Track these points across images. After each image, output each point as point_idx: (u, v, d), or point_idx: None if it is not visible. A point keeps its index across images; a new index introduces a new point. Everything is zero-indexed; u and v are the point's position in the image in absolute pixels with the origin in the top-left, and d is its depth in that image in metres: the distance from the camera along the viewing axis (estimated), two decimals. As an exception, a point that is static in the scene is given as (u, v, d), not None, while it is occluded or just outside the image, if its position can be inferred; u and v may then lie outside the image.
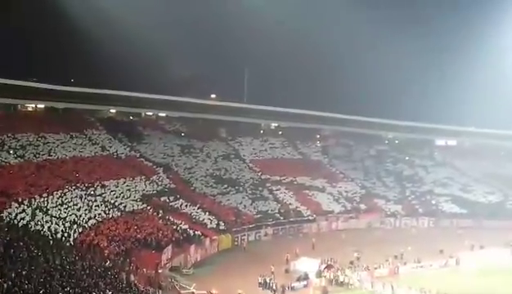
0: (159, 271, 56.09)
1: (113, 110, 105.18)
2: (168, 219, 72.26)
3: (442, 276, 64.85)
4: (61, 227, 58.02)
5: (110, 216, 67.11)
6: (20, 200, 59.87)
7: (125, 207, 71.68)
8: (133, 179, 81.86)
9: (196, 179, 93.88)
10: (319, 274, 60.06)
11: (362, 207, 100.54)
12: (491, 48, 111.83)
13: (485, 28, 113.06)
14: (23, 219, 55.32)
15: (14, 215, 55.48)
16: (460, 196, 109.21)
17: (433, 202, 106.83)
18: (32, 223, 55.58)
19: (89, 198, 69.63)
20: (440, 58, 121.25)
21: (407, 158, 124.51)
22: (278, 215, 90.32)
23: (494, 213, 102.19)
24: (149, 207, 74.14)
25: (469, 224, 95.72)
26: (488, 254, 71.66)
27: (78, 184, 71.82)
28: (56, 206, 63.22)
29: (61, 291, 35.55)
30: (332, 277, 59.87)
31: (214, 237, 74.31)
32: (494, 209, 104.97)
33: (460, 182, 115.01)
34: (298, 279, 58.73)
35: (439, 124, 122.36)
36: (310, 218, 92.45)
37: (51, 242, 51.20)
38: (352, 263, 65.54)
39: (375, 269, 64.14)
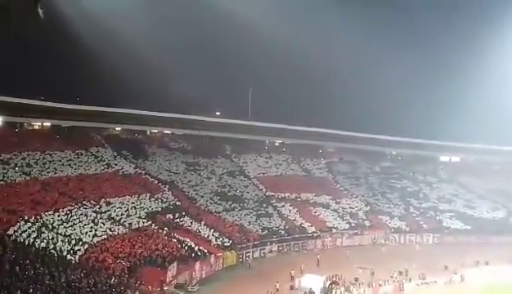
0: (165, 288, 56.35)
1: (118, 128, 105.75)
2: (173, 236, 72.47)
3: (447, 292, 65.00)
4: (67, 244, 58.57)
5: (116, 233, 67.52)
6: (26, 218, 60.47)
7: (130, 224, 72.04)
8: (139, 196, 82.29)
9: (201, 196, 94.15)
10: (324, 291, 60.20)
11: (367, 223, 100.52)
12: (496, 65, 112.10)
13: (490, 44, 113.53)
14: (29, 236, 55.86)
15: (20, 232, 56.01)
16: (464, 212, 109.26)
17: (438, 218, 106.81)
18: (38, 240, 56.10)
19: (94, 215, 70.16)
20: (444, 74, 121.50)
21: (411, 174, 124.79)
22: (283, 231, 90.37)
23: (498, 229, 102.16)
24: (154, 224, 74.46)
25: (473, 241, 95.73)
26: (493, 270, 71.69)
27: (83, 202, 72.36)
28: (62, 223, 63.78)
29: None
30: (337, 293, 59.97)
31: (219, 253, 74.45)
32: (498, 225, 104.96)
33: (465, 198, 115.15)
34: (303, 296, 58.98)
35: (443, 141, 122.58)
36: (314, 234, 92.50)
37: (57, 259, 51.67)
38: (356, 279, 65.60)
39: (380, 285, 64.26)
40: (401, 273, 70.89)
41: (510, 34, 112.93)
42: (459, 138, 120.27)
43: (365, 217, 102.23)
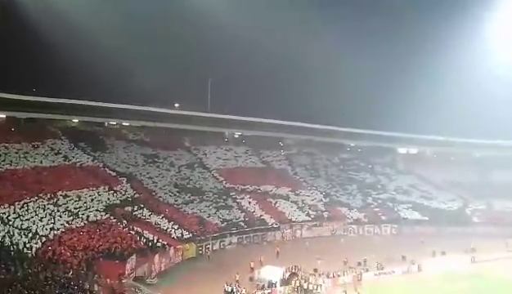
0: (123, 281, 55.75)
1: (75, 120, 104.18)
2: (132, 228, 71.81)
3: (405, 282, 65.73)
4: (23, 238, 57.57)
5: (73, 226, 66.48)
6: (-19, 211, 59.24)
7: (88, 217, 71.04)
8: (97, 188, 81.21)
9: (160, 188, 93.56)
10: (283, 282, 60.29)
11: (326, 215, 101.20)
12: (453, 58, 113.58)
13: (447, 38, 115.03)
14: (-16, 230, 54.76)
15: (-25, 226, 54.90)
16: (421, 203, 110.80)
17: (396, 209, 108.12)
18: (-7, 234, 55.03)
19: (52, 208, 68.97)
20: (403, 68, 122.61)
21: (370, 166, 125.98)
22: (242, 223, 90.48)
23: (455, 220, 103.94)
24: (112, 217, 73.61)
25: (430, 231, 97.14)
26: (449, 260, 72.77)
27: (40, 195, 71.01)
28: (18, 216, 62.66)
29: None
30: (296, 284, 60.13)
31: (179, 246, 74.11)
32: (455, 216, 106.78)
33: (422, 189, 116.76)
34: (263, 287, 58.89)
35: (401, 132, 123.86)
36: (274, 226, 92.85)
37: (13, 253, 50.76)
38: (315, 270, 65.87)
39: (339, 276, 64.63)
40: (359, 263, 71.58)
41: (467, 29, 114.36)
42: (416, 130, 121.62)
43: (324, 209, 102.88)
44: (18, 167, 78.37)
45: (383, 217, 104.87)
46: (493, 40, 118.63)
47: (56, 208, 69.36)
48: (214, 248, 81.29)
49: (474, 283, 65.27)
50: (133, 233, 70.65)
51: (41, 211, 66.68)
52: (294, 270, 63.38)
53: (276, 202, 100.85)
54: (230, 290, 56.82)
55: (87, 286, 47.44)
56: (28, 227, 60.77)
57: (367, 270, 68.84)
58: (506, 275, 69.23)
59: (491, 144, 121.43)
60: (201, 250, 78.63)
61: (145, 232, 71.97)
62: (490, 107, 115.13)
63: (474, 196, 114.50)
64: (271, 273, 62.04)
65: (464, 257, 75.19)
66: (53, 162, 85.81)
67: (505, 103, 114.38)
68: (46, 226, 62.82)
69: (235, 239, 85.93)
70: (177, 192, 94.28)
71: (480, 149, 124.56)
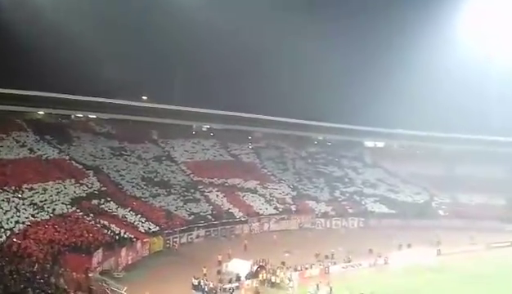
0: (90, 275, 55.20)
1: (41, 112, 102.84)
2: (99, 222, 71.16)
3: (371, 275, 66.26)
4: (-13, 231, 56.75)
5: (39, 219, 65.72)
6: None
7: (54, 210, 70.26)
8: (63, 181, 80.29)
9: (127, 181, 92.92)
10: (251, 275, 60.28)
11: (293, 208, 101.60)
12: (419, 51, 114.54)
13: (415, 32, 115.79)
14: None
15: None
16: (388, 196, 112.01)
17: (363, 202, 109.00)
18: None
19: (17, 201, 68.02)
20: (370, 61, 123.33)
21: (337, 159, 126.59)
22: (210, 216, 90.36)
23: (420, 213, 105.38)
24: (79, 210, 72.88)
25: (397, 224, 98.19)
26: (415, 253, 73.43)
27: (4, 187, 69.99)
28: (-18, 209, 61.74)
29: (-12, 297, 34.79)
30: (264, 278, 60.17)
31: (146, 239, 73.70)
32: (420, 209, 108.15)
33: (389, 183, 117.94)
34: (230, 281, 58.79)
35: (368, 126, 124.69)
36: (242, 219, 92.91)
37: (-23, 246, 49.97)
38: (283, 264, 65.94)
39: (306, 269, 64.84)
40: (327, 256, 72.01)
41: (435, 22, 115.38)
42: (383, 124, 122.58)
43: (292, 202, 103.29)
44: (-18, 160, 77.23)
45: (350, 210, 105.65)
46: (462, 33, 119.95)
47: (21, 201, 68.44)
48: (182, 241, 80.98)
49: (440, 276, 66.10)
50: (100, 226, 70.04)
51: (5, 204, 65.67)
52: (261, 263, 63.26)
53: (244, 196, 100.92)
54: (197, 283, 56.56)
55: (52, 280, 46.83)
56: (-8, 220, 59.93)
57: (335, 263, 69.25)
58: (471, 268, 70.52)
59: (457, 138, 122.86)
60: (168, 243, 78.30)
61: (111, 225, 71.40)
62: (456, 101, 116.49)
63: (440, 189, 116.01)
64: (239, 266, 61.97)
65: (429, 250, 75.90)
66: (18, 154, 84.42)
67: (472, 97, 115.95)
68: (11, 219, 61.92)
69: (202, 232, 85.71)
70: (145, 185, 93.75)
71: (446, 143, 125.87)
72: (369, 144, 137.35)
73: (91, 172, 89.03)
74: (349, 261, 70.29)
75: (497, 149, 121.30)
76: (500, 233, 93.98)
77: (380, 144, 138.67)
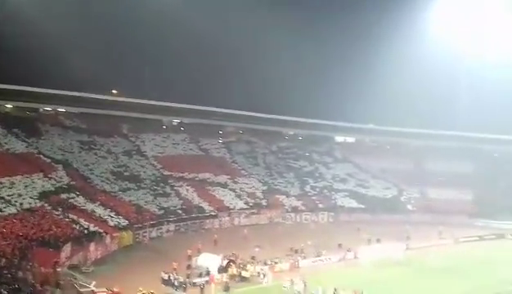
0: (58, 269, 54.74)
1: (9, 105, 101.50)
2: (67, 216, 70.46)
3: (341, 269, 66.60)
4: (-47, 225, 55.93)
5: (6, 213, 64.84)
6: None
7: (22, 204, 69.40)
8: (31, 175, 79.15)
9: (97, 175, 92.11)
10: (221, 270, 60.22)
11: (264, 202, 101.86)
12: (390, 48, 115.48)
13: (385, 27, 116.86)
14: None
15: None
16: (358, 191, 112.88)
17: (333, 197, 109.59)
18: None
19: (-17, 195, 67.22)
20: (341, 56, 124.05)
21: (308, 154, 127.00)
22: (180, 211, 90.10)
23: (390, 208, 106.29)
24: (47, 205, 72.07)
25: (366, 219, 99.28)
26: (384, 247, 73.99)
27: (-29, 181, 69.11)
28: None
29: (-47, 292, 34.35)
30: (234, 272, 60.15)
31: (115, 234, 73.22)
32: (390, 204, 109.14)
33: (359, 178, 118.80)
34: (200, 275, 58.68)
35: (338, 121, 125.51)
36: (212, 214, 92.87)
37: None
38: (253, 258, 65.98)
39: (276, 263, 64.92)
40: (296, 251, 72.07)
41: (404, 18, 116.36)
42: (354, 119, 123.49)
43: (262, 197, 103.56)
44: None
45: (320, 205, 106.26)
46: (433, 29, 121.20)
47: (-13, 195, 67.61)
48: (152, 236, 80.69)
49: (408, 270, 66.68)
50: (68, 220, 69.32)
51: (-28, 198, 64.93)
52: (231, 258, 63.22)
53: (215, 190, 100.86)
54: (167, 278, 56.36)
55: (20, 274, 46.47)
56: (-42, 215, 59.10)
57: (304, 258, 69.40)
58: (439, 262, 71.20)
59: (427, 133, 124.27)
60: (138, 238, 77.92)
61: (80, 220, 70.71)
62: (425, 97, 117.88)
63: (409, 184, 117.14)
64: (209, 260, 61.78)
65: (398, 244, 76.49)
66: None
67: (442, 93, 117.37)
68: (-23, 214, 61.19)
69: (172, 227, 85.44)
70: (114, 179, 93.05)
71: (416, 139, 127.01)
72: (339, 139, 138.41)
73: (60, 166, 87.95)
74: (319, 256, 70.54)
75: (466, 145, 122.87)
76: (468, 227, 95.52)
77: (351, 140, 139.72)
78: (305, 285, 54.89)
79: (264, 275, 60.05)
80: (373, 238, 79.75)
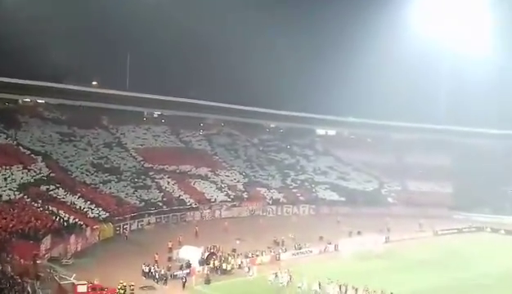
0: (38, 262, 54.32)
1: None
2: (47, 208, 69.92)
3: (322, 262, 66.74)
4: None
5: (-15, 205, 64.44)
6: None
7: (1, 196, 68.87)
8: (10, 167, 78.51)
9: (77, 167, 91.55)
10: (202, 262, 60.11)
11: (245, 195, 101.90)
12: (370, 40, 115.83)
13: (367, 19, 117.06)
14: None
15: None
16: (339, 184, 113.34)
17: (314, 190, 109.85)
18: None
19: (-38, 187, 66.56)
20: (321, 49, 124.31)
21: (289, 147, 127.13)
22: (161, 203, 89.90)
23: (370, 200, 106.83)
24: (26, 196, 71.47)
25: (347, 212, 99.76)
26: (365, 240, 74.27)
27: (-51, 173, 68.37)
28: None
29: None
30: (215, 264, 60.07)
31: (95, 226, 72.87)
32: (370, 196, 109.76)
33: (340, 171, 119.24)
34: (181, 267, 58.53)
35: (320, 114, 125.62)
36: (193, 206, 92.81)
37: None
38: (234, 250, 65.92)
39: (257, 256, 64.90)
40: (277, 243, 72.17)
41: (388, 9, 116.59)
42: (334, 112, 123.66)
43: (243, 189, 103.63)
44: None
45: (301, 198, 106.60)
46: (413, 22, 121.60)
47: (-34, 187, 66.97)
48: (132, 228, 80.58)
49: (388, 262, 66.90)
50: (48, 212, 68.83)
51: (-50, 190, 64.27)
52: (212, 250, 63.13)
53: (195, 183, 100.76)
54: (148, 270, 56.20)
55: (0, 267, 46.03)
56: None
57: (285, 250, 69.43)
58: (418, 254, 71.84)
59: (407, 126, 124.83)
60: (119, 230, 77.69)
61: (60, 212, 70.23)
62: (405, 90, 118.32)
63: (390, 177, 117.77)
64: (190, 253, 61.65)
65: (378, 237, 76.85)
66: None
67: (421, 86, 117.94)
68: (-45, 206, 60.57)
69: (153, 219, 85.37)
70: (94, 171, 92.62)
71: (396, 132, 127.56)
72: (320, 132, 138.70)
73: (39, 158, 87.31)
74: (300, 248, 70.62)
75: (445, 138, 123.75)
76: (448, 220, 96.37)
77: (332, 132, 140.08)
78: (290, 278, 54.90)
79: (249, 268, 60.01)
80: (354, 231, 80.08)
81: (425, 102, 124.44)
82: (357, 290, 50.36)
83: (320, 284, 51.86)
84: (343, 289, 51.18)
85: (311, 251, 70.67)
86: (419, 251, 74.31)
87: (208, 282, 55.75)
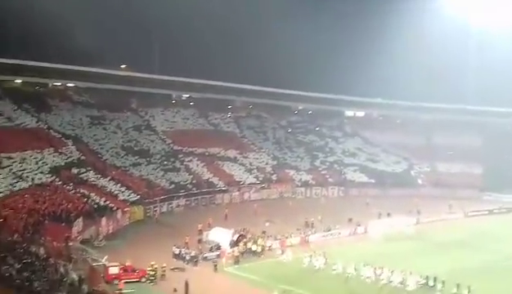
0: (70, 244, 55.01)
1: (18, 80, 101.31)
2: (79, 191, 70.73)
3: (351, 243, 66.64)
4: (-35, 200, 56.20)
5: (18, 188, 65.19)
6: None
7: (33, 179, 69.66)
8: (41, 151, 79.34)
9: (107, 150, 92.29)
10: (232, 244, 60.36)
11: (274, 177, 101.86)
12: (400, 20, 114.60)
13: (400, 5, 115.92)
14: None
15: None
16: (367, 166, 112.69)
17: (343, 172, 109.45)
18: None
19: (-5, 170, 67.44)
20: (349, 30, 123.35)
21: (317, 128, 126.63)
22: (190, 186, 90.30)
23: (400, 182, 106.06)
24: (58, 180, 72.30)
25: (376, 193, 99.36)
26: (394, 221, 73.99)
27: (-18, 157, 69.28)
28: (-40, 179, 61.10)
29: (-33, 266, 34.55)
30: (245, 246, 60.30)
31: (126, 208, 73.66)
32: (400, 178, 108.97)
33: (368, 152, 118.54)
34: (211, 249, 58.88)
35: (348, 95, 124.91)
36: (222, 189, 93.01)
37: (-45, 215, 49.51)
38: (264, 233, 66.07)
39: (286, 238, 64.98)
40: (307, 225, 72.14)
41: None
42: (363, 93, 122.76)
43: (272, 171, 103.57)
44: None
45: (330, 180, 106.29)
46: (445, 1, 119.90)
47: (-1, 171, 67.84)
48: (162, 211, 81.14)
49: (418, 244, 66.78)
50: (80, 195, 69.60)
51: (-16, 173, 65.17)
52: (242, 232, 63.40)
53: (224, 165, 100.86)
54: (178, 252, 56.71)
55: (33, 249, 46.58)
56: (-30, 189, 59.39)
57: (315, 232, 69.44)
58: (449, 236, 71.29)
59: (436, 107, 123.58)
60: (149, 212, 78.39)
61: (91, 194, 71.03)
62: (437, 70, 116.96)
63: (419, 158, 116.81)
64: (220, 235, 62.00)
65: (408, 218, 76.53)
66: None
67: (452, 66, 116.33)
68: (-11, 189, 61.44)
69: (183, 202, 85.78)
70: (124, 154, 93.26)
71: (425, 112, 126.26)
72: (349, 113, 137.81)
73: (69, 141, 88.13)
74: (329, 230, 70.55)
75: (475, 118, 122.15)
76: (478, 201, 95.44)
77: (360, 114, 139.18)
78: (326, 261, 54.91)
79: (282, 251, 60.11)
80: (383, 213, 79.73)
81: (454, 82, 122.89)
82: (392, 272, 50.26)
83: (355, 267, 51.93)
84: (379, 272, 51.17)
85: (340, 233, 70.58)
86: (450, 232, 73.77)
87: (237, 263, 56.14)
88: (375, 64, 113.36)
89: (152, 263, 50.15)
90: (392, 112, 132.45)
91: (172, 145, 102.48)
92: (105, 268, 49.56)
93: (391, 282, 49.89)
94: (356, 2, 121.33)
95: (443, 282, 48.61)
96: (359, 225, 73.22)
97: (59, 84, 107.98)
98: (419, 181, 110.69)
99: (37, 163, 74.99)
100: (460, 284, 46.83)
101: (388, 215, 79.25)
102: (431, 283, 49.32)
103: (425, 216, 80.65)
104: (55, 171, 74.94)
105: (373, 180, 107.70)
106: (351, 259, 53.82)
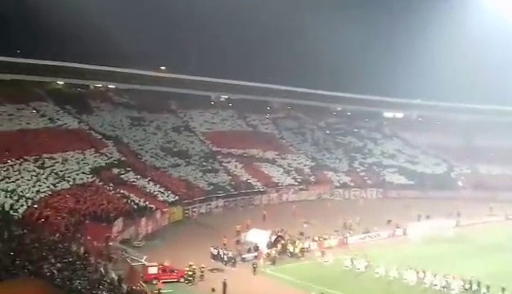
0: (110, 244, 55.77)
1: (61, 82, 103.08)
2: (119, 191, 71.62)
3: (390, 246, 66.25)
4: (9, 200, 57.26)
5: (59, 188, 66.26)
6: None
7: (74, 179, 70.76)
8: (83, 151, 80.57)
9: (146, 151, 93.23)
10: (270, 245, 60.47)
11: (312, 178, 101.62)
12: (439, 20, 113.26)
13: (438, 7, 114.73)
14: (-31, 192, 54.40)
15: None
16: (407, 167, 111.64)
17: (381, 173, 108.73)
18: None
19: (37, 170, 68.61)
20: (388, 30, 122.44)
21: (356, 130, 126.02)
22: (229, 187, 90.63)
23: (439, 184, 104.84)
24: (98, 180, 73.33)
25: (415, 195, 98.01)
26: (434, 224, 73.33)
27: (25, 157, 70.49)
28: (4, 179, 62.24)
29: (11, 265, 35.23)
30: (282, 248, 60.37)
31: (165, 209, 74.27)
32: (439, 180, 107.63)
33: (408, 154, 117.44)
34: (249, 250, 59.09)
35: (387, 97, 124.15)
36: (261, 190, 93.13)
37: (-1, 215, 50.55)
38: (301, 234, 66.04)
39: (325, 239, 64.87)
40: (345, 227, 71.93)
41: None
42: (402, 94, 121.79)
43: (310, 173, 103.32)
44: (2, 130, 77.54)
45: (369, 181, 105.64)
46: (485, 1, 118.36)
47: (41, 171, 69.01)
48: (201, 211, 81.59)
49: (458, 247, 66.03)
50: (120, 196, 70.45)
51: (26, 173, 66.31)
52: (280, 234, 63.45)
53: (263, 166, 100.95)
54: (216, 253, 57.04)
55: (73, 248, 47.39)
56: (13, 189, 60.41)
57: (353, 234, 69.19)
58: (490, 239, 70.32)
59: (477, 108, 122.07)
60: (188, 213, 78.93)
61: (131, 195, 71.79)
62: (476, 71, 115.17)
63: (459, 160, 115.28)
64: (258, 236, 62.11)
65: (448, 221, 75.79)
66: (38, 124, 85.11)
67: (492, 67, 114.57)
68: (32, 189, 62.50)
69: (221, 203, 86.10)
70: (164, 155, 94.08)
71: (465, 114, 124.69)
72: (388, 114, 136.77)
73: (110, 142, 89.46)
74: (368, 232, 70.22)
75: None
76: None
77: (399, 115, 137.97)
78: (369, 264, 54.76)
79: (323, 253, 60.09)
80: (422, 215, 79.04)
81: (496, 82, 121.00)
82: (435, 276, 49.89)
83: (397, 270, 51.70)
84: (422, 275, 50.85)
85: (379, 235, 70.21)
86: (491, 235, 72.67)
87: (274, 264, 56.31)
88: (414, 65, 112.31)
89: (190, 263, 50.55)
90: (431, 113, 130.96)
91: (210, 146, 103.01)
92: (145, 268, 50.11)
93: (434, 285, 49.57)
94: (395, 3, 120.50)
95: (488, 287, 48.01)
96: (398, 227, 72.75)
97: (100, 86, 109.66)
98: (460, 183, 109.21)
99: (78, 164, 76.14)
100: (506, 288, 46.26)
101: (428, 217, 78.61)
102: (474, 287, 48.80)
103: (465, 219, 79.63)
104: (96, 171, 76.08)
105: (412, 182, 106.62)
106: (391, 261, 53.62)
